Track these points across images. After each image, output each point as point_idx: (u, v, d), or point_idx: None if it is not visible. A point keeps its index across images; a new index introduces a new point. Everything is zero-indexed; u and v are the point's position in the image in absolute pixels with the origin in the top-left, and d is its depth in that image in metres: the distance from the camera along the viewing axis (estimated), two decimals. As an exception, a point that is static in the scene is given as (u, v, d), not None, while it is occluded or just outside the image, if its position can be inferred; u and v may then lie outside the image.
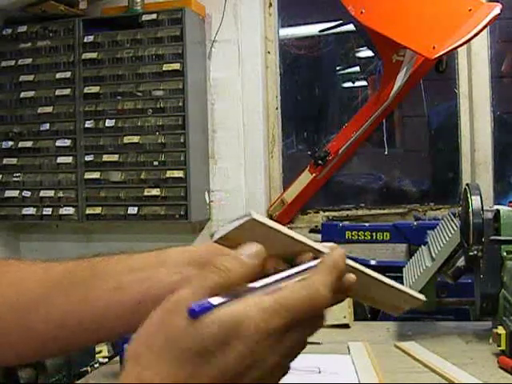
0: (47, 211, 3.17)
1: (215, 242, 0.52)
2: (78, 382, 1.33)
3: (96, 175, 3.11)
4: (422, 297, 0.59)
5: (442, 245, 1.64)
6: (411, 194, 3.12)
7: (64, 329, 0.64)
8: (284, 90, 3.25)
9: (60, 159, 3.16)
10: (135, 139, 3.04)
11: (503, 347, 1.26)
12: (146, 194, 3.02)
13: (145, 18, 3.04)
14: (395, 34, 2.44)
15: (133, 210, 3.03)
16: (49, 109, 3.17)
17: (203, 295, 0.45)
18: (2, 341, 0.64)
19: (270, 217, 3.13)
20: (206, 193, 3.19)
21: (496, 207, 1.48)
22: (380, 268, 2.45)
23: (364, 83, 3.24)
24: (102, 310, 0.62)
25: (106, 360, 1.43)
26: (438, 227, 1.83)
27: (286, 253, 0.53)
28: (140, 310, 0.60)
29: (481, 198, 1.45)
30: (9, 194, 3.23)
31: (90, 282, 0.63)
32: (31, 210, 3.19)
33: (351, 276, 0.53)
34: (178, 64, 2.98)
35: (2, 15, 3.29)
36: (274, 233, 0.52)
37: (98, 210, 3.10)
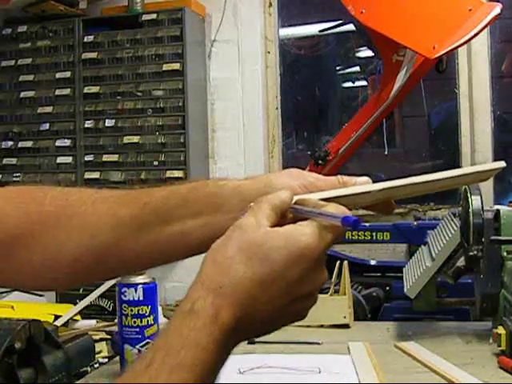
0: (47, 211, 3.16)
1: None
2: (78, 382, 1.33)
3: (96, 175, 3.11)
4: (500, 164, 0.56)
5: (442, 245, 1.64)
6: (411, 194, 3.12)
7: (137, 264, 0.76)
8: (284, 90, 3.25)
9: (60, 159, 3.16)
10: (135, 139, 3.04)
11: (503, 347, 1.26)
12: (145, 193, 3.01)
13: (145, 17, 3.04)
14: (395, 33, 2.43)
15: (133, 210, 3.03)
16: (49, 109, 3.17)
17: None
18: (82, 278, 0.75)
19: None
20: (206, 193, 3.19)
21: (496, 207, 1.47)
22: (380, 268, 2.45)
23: (364, 83, 3.24)
24: (170, 251, 0.71)
25: (106, 360, 1.43)
26: (437, 227, 1.83)
27: None
28: (203, 250, 0.66)
29: (481, 197, 1.44)
30: (9, 193, 3.22)
31: (157, 227, 0.70)
32: (31, 210, 3.18)
33: None
34: (178, 64, 2.98)
35: (2, 15, 3.29)
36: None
37: (97, 210, 3.09)
